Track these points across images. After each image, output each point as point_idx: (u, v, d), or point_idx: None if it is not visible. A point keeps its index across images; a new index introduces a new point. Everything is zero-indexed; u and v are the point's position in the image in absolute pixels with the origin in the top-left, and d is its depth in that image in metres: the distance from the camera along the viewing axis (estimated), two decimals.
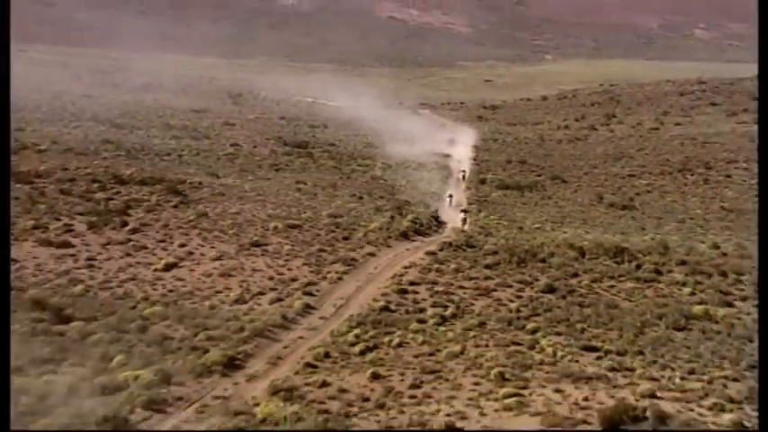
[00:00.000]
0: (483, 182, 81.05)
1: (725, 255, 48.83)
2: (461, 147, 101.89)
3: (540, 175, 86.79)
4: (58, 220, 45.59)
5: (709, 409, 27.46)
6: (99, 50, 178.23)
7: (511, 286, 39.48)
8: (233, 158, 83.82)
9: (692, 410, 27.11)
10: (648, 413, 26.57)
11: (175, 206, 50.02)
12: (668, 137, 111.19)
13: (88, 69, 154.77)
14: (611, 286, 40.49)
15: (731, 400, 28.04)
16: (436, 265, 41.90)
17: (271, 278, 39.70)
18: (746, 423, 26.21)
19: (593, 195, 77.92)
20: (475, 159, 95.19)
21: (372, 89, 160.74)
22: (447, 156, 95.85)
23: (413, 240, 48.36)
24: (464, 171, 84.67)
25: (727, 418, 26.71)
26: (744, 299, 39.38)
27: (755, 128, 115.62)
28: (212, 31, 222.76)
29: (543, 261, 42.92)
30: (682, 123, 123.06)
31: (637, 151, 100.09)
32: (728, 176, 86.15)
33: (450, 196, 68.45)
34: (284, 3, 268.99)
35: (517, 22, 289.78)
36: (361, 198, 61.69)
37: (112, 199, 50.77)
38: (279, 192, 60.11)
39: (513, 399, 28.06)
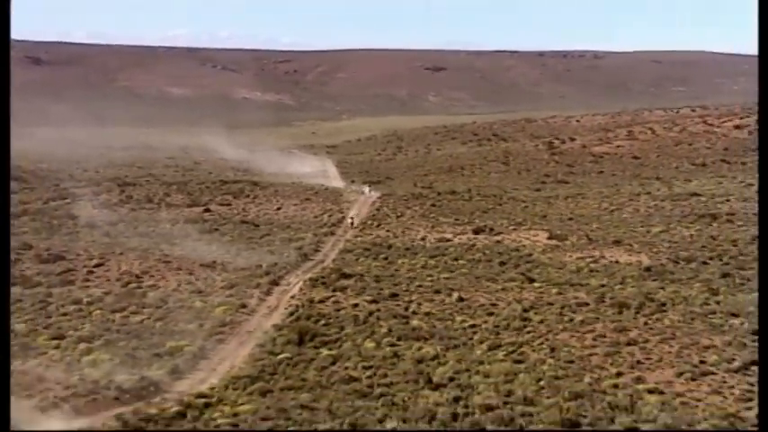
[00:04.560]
0: (353, 182, 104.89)
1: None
2: (331, 165, 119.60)
3: (378, 177, 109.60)
4: (213, 197, 68.96)
5: (514, 231, 56.06)
6: (58, 127, 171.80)
7: (417, 205, 66.64)
8: (218, 179, 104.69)
9: (502, 231, 55.53)
10: (486, 228, 54.98)
11: (261, 189, 73.86)
12: (435, 156, 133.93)
13: (70, 139, 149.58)
14: (455, 202, 68.69)
15: (518, 223, 56.82)
16: (384, 201, 68.82)
17: (321, 209, 64.88)
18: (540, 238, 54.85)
19: (410, 184, 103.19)
20: (340, 171, 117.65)
21: (248, 142, 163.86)
22: (326, 170, 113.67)
23: (364, 194, 74.20)
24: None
25: (522, 230, 55.37)
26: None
27: (479, 149, 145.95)
28: (127, 111, 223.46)
29: (426, 197, 70.84)
30: (440, 149, 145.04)
31: (423, 163, 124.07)
32: (473, 173, 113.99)
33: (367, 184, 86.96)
34: (176, 92, 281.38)
35: (323, 96, 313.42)
36: (324, 185, 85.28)
37: (231, 188, 74.24)
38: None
39: (440, 230, 55.73)
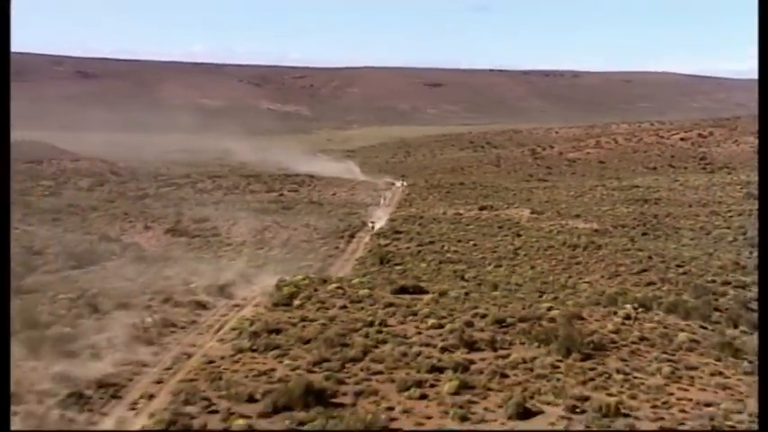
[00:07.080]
0: (380, 178, 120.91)
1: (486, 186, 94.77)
2: (354, 165, 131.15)
3: (396, 176, 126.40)
4: (283, 186, 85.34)
5: (507, 208, 72.87)
6: (115, 133, 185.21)
7: (435, 193, 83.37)
8: (263, 176, 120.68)
9: (498, 209, 72.29)
10: (487, 207, 71.55)
11: (317, 180, 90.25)
12: (440, 159, 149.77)
13: (130, 143, 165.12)
14: (463, 191, 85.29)
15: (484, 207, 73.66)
16: (409, 187, 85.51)
17: (366, 195, 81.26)
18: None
19: (423, 182, 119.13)
20: (363, 171, 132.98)
21: (277, 146, 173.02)
22: (351, 170, 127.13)
23: (394, 185, 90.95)
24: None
25: (513, 208, 72.12)
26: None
27: (475, 154, 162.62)
28: (168, 120, 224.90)
29: (441, 187, 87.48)
30: (443, 154, 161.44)
31: (430, 165, 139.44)
32: (472, 172, 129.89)
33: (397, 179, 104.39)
34: (209, 103, 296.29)
35: (336, 107, 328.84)
36: (363, 179, 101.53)
37: (294, 179, 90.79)
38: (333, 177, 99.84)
39: (455, 208, 72.44)
